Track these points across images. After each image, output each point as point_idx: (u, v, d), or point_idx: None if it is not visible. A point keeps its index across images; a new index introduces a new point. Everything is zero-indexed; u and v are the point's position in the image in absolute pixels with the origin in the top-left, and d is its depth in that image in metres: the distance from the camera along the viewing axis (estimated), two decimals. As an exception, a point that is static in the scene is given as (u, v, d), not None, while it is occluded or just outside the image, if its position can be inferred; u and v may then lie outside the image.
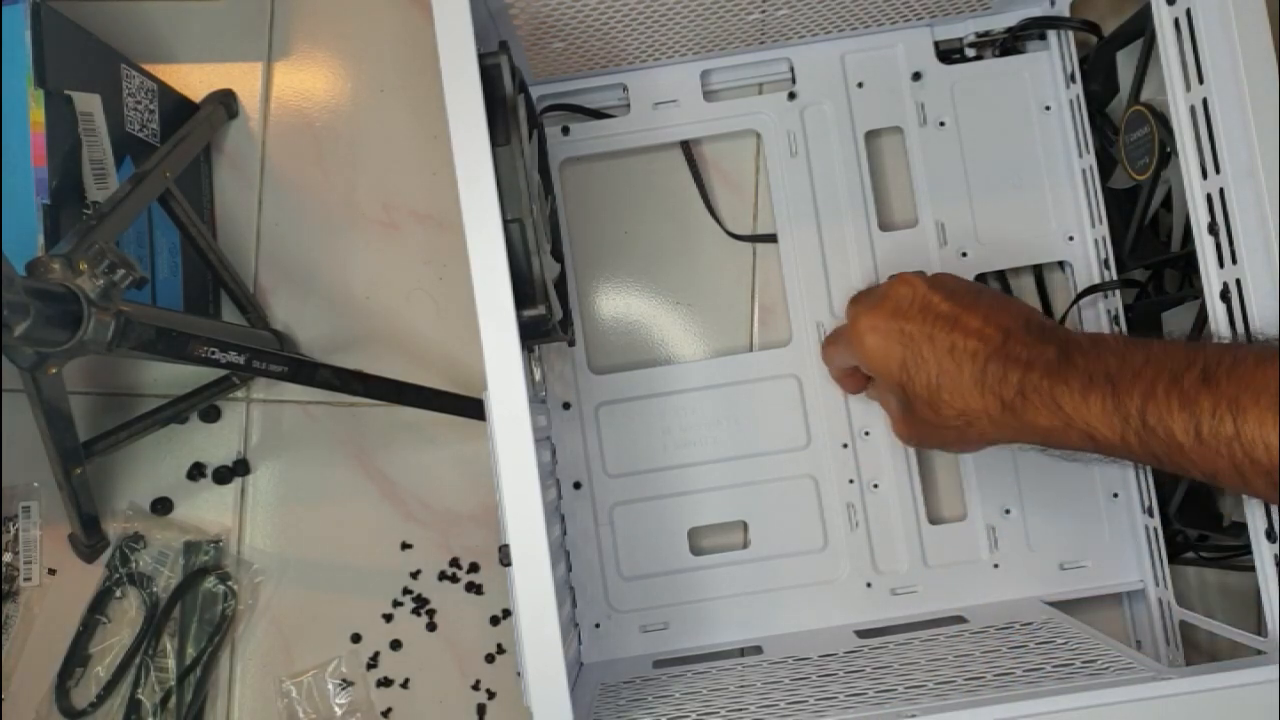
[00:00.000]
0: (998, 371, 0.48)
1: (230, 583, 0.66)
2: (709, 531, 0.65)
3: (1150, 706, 0.43)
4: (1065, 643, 0.54)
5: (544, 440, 0.60)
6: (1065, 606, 0.61)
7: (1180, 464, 0.44)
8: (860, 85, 0.66)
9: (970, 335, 0.49)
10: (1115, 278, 0.62)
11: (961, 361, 0.49)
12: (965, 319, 0.50)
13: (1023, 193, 0.65)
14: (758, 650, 0.61)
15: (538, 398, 0.63)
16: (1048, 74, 0.65)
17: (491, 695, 0.65)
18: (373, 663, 0.66)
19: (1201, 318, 0.53)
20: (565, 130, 0.66)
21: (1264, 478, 0.41)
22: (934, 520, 0.64)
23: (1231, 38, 0.46)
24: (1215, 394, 0.41)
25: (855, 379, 0.62)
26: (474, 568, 0.66)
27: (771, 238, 0.66)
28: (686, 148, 0.67)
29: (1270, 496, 0.42)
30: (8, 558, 0.66)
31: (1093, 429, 0.45)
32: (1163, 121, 0.54)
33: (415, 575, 0.66)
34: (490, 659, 0.66)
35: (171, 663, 0.65)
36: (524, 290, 0.50)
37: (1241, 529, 0.51)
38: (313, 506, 0.67)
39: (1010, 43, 0.65)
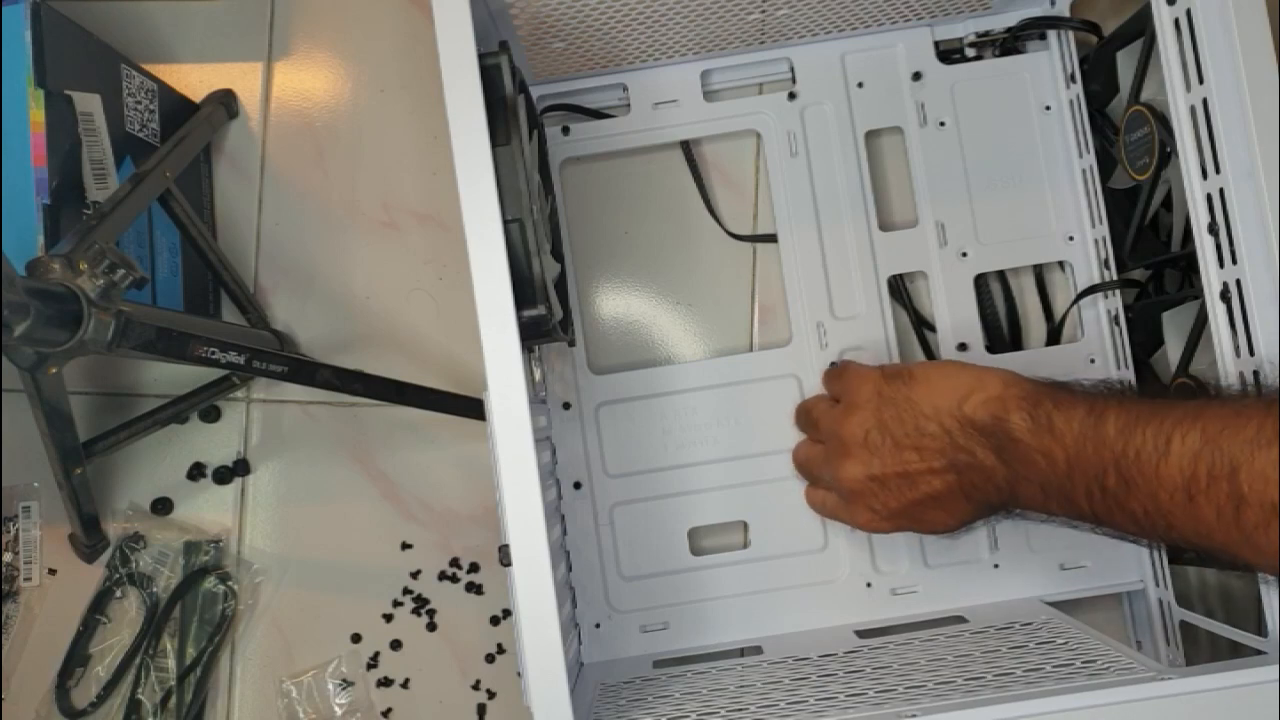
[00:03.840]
0: (978, 493, 0.50)
1: (230, 583, 0.66)
2: (709, 531, 0.65)
3: (1150, 706, 0.43)
4: (1065, 643, 0.54)
5: (544, 440, 0.60)
6: (1065, 606, 0.61)
7: (1152, 541, 0.47)
8: (860, 85, 0.66)
9: (930, 479, 0.51)
10: (1115, 278, 0.62)
11: (954, 503, 0.51)
12: (911, 468, 0.51)
13: (1023, 193, 0.65)
14: (758, 650, 0.61)
15: (538, 398, 0.63)
16: (1048, 74, 0.65)
17: (491, 695, 0.65)
18: (373, 663, 0.66)
19: (1201, 318, 0.53)
20: (565, 130, 0.66)
21: (1208, 554, 0.43)
22: (934, 520, 0.64)
23: (1231, 38, 0.46)
24: (1139, 494, 0.43)
25: None
26: (474, 568, 0.66)
27: (771, 238, 0.66)
28: (686, 148, 0.67)
29: (1238, 565, 0.43)
30: (8, 558, 0.66)
31: (1070, 522, 0.48)
32: (1163, 121, 0.54)
33: (415, 575, 0.66)
34: (490, 659, 0.66)
35: (171, 663, 0.65)
36: (524, 290, 0.50)
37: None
38: (313, 506, 0.67)
39: (1010, 43, 0.65)
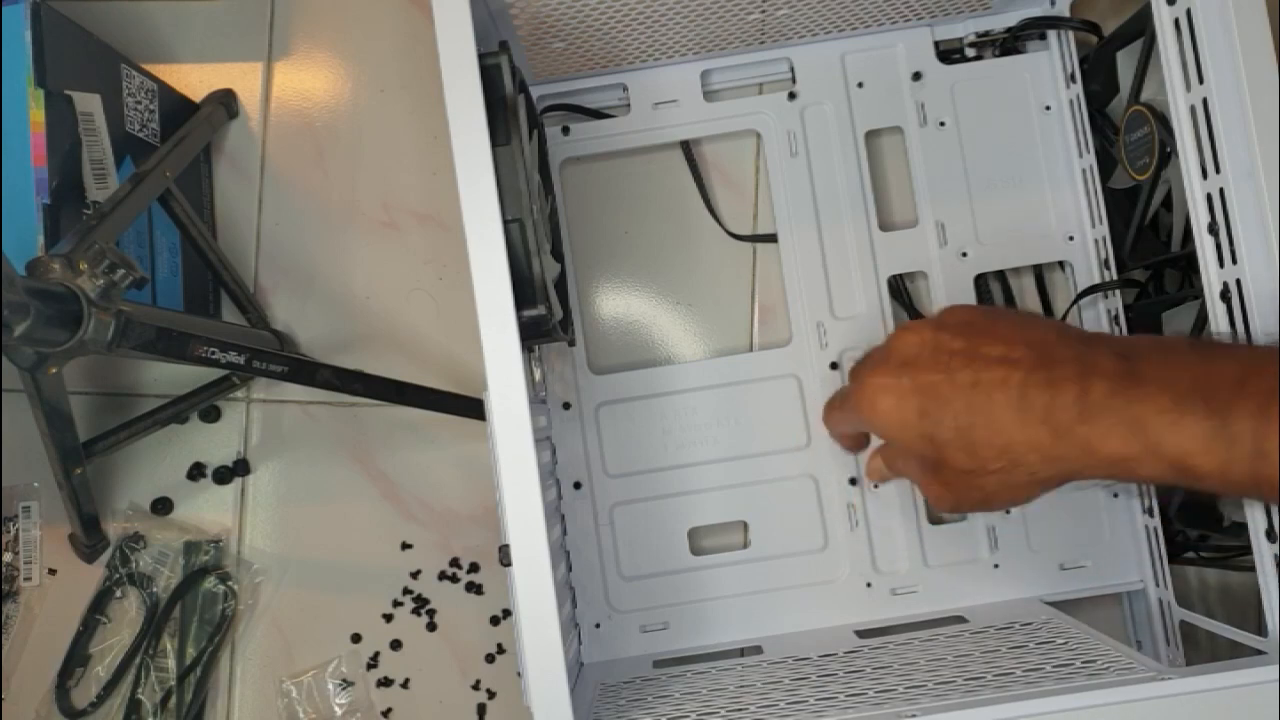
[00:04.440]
0: (1042, 395, 0.40)
1: (230, 583, 0.66)
2: (709, 531, 0.65)
3: (1150, 706, 0.43)
4: (1065, 643, 0.54)
5: (544, 440, 0.60)
6: (1065, 606, 0.61)
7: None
8: (860, 85, 0.66)
9: (992, 364, 0.42)
10: (1115, 278, 0.62)
11: (990, 392, 0.41)
12: (983, 348, 0.42)
13: (1023, 193, 0.65)
14: (758, 650, 0.61)
15: (538, 398, 0.63)
16: (1048, 74, 0.65)
17: (491, 695, 0.65)
18: (373, 663, 0.66)
19: (1201, 318, 0.53)
20: (565, 130, 0.66)
21: None
22: (934, 520, 0.64)
23: (1231, 38, 0.46)
24: None
25: (859, 440, 0.55)
26: (474, 568, 0.66)
27: (771, 238, 0.66)
28: (686, 148, 0.67)
29: None
30: (8, 558, 0.66)
31: (1187, 456, 0.37)
32: (1163, 121, 0.54)
33: (415, 575, 0.66)
34: (490, 659, 0.66)
35: (171, 663, 0.65)
36: (524, 290, 0.50)
37: (1242, 529, 0.51)
38: (313, 506, 0.67)
39: (1010, 43, 0.65)
